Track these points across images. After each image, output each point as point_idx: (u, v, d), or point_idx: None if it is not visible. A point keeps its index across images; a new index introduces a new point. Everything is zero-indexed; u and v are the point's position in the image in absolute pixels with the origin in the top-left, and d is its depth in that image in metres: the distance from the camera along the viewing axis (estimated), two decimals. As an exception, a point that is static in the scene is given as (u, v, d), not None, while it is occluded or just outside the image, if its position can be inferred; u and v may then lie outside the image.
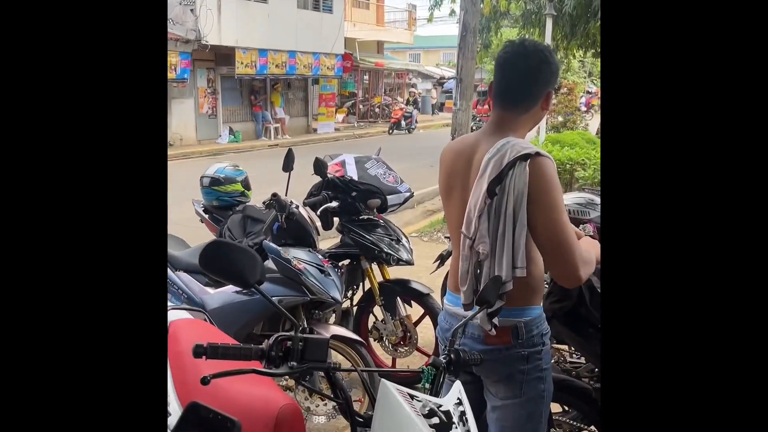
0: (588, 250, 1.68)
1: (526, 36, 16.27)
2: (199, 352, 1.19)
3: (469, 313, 1.69)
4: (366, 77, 24.58)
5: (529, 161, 1.58)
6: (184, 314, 2.05)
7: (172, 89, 15.32)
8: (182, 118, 15.93)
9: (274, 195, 2.99)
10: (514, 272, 1.60)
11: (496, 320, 1.63)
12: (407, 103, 23.40)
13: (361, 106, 23.92)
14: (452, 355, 1.46)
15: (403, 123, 21.19)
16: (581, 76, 36.31)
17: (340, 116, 22.19)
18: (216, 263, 1.26)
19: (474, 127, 9.69)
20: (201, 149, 15.48)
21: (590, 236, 2.39)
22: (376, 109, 24.64)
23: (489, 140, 1.69)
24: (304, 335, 1.30)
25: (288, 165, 3.07)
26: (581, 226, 2.66)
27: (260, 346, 1.29)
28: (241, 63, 16.23)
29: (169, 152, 14.52)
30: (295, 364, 1.27)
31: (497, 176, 1.59)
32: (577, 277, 1.60)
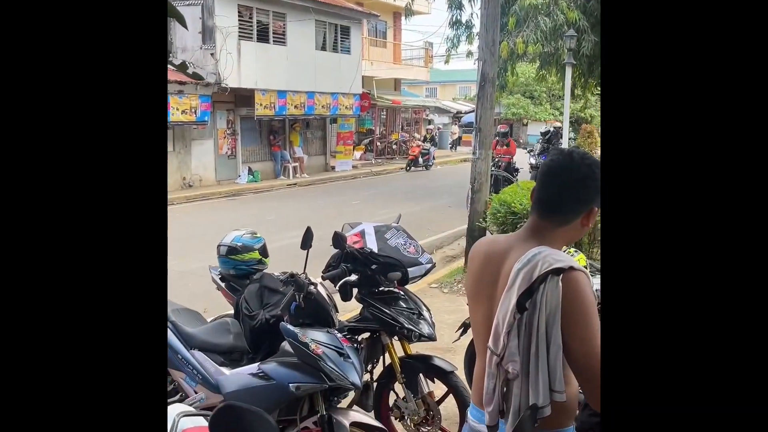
0: None
1: (546, 75, 16.32)
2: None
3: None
4: (383, 114, 24.75)
5: (561, 276, 1.47)
6: (200, 421, 1.94)
7: (192, 131, 15.53)
8: (202, 159, 16.09)
9: (292, 275, 2.91)
10: (553, 396, 1.49)
11: None
12: (424, 140, 23.47)
13: (378, 143, 24.03)
14: None
15: (420, 160, 21.23)
16: (598, 110, 36.36)
17: (357, 153, 22.29)
18: (227, 430, 1.16)
19: (493, 168, 9.62)
20: (220, 190, 15.58)
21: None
22: (394, 146, 24.72)
23: (521, 247, 1.59)
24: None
25: (306, 243, 3.00)
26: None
27: None
28: (261, 104, 16.42)
29: (189, 193, 14.66)
30: None
31: (527, 290, 1.49)
32: None
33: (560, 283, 1.47)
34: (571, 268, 1.48)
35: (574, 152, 1.63)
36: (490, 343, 1.57)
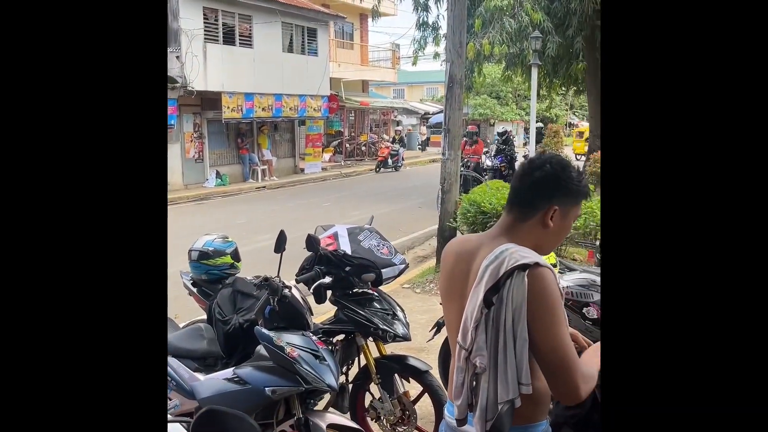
0: (589, 363, 1.61)
1: (511, 76, 16.53)
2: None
3: (471, 429, 1.60)
4: (352, 115, 24.73)
5: (527, 272, 1.51)
6: (177, 427, 1.93)
7: (157, 135, 15.26)
8: (168, 163, 15.69)
9: (266, 279, 2.89)
10: (520, 389, 1.52)
11: None
12: (393, 141, 23.53)
13: (347, 145, 24.00)
14: None
15: (389, 161, 21.28)
16: (563, 109, 36.98)
17: (326, 155, 22.24)
18: (210, 434, 1.17)
19: (462, 169, 9.69)
20: (188, 194, 15.37)
21: (594, 318, 2.32)
22: (363, 147, 24.73)
23: (490, 245, 1.63)
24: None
25: (280, 246, 2.98)
26: (584, 309, 2.59)
27: None
28: (228, 107, 16.26)
29: (156, 199, 14.39)
30: None
31: (494, 285, 1.52)
32: (577, 396, 1.52)
33: (526, 279, 1.50)
34: (537, 264, 1.51)
35: (549, 154, 1.70)
36: (459, 338, 1.60)
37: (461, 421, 1.61)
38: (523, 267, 1.50)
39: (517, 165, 15.25)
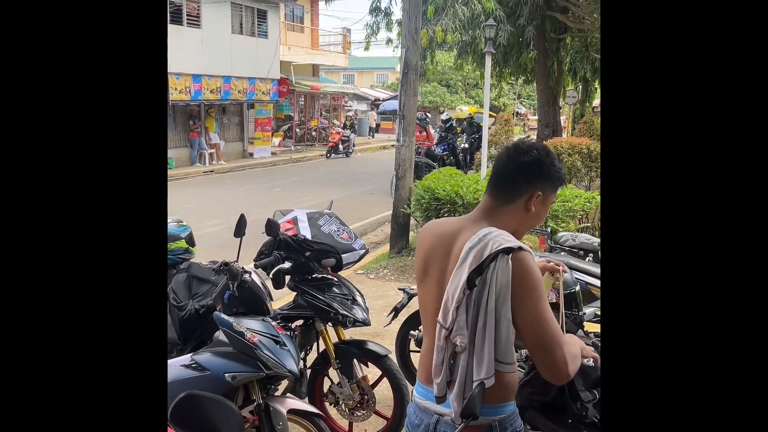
0: (572, 343, 1.65)
1: (462, 64, 16.65)
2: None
3: (441, 408, 1.63)
4: (302, 100, 24.45)
5: (511, 255, 1.54)
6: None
7: (100, 116, 14.73)
8: (111, 145, 15.31)
9: (225, 264, 2.84)
10: (502, 368, 1.55)
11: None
12: (344, 126, 23.40)
13: (297, 130, 23.73)
14: None
15: (340, 147, 21.17)
16: (511, 98, 37.58)
17: (276, 140, 21.93)
18: (189, 419, 1.13)
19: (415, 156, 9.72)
20: (132, 178, 14.90)
21: (555, 303, 2.38)
22: (313, 133, 24.51)
23: (471, 228, 1.65)
24: None
25: (239, 230, 2.93)
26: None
27: None
28: (175, 89, 15.80)
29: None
30: None
31: (478, 267, 1.55)
32: (565, 373, 1.56)
33: (510, 262, 1.53)
34: (520, 248, 1.55)
35: (536, 142, 1.73)
36: (439, 318, 1.62)
37: (441, 399, 1.63)
38: (507, 251, 1.54)
39: (459, 154, 15.45)
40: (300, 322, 3.33)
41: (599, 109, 24.95)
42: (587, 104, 20.17)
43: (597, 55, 14.30)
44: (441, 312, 1.62)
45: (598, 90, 21.05)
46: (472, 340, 1.56)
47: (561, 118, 18.14)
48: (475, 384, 1.52)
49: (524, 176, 1.66)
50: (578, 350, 1.67)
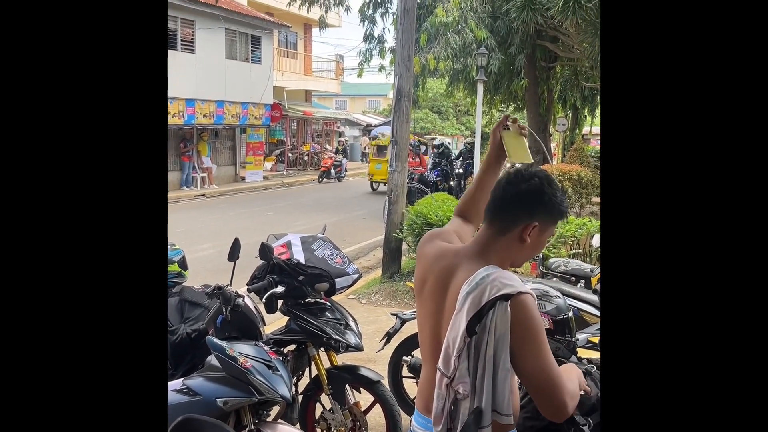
0: (571, 379, 1.63)
1: (453, 91, 16.82)
2: None
3: None
4: (294, 125, 24.57)
5: (510, 301, 1.49)
6: None
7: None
8: (103, 168, 15.28)
9: (219, 287, 2.83)
10: (499, 418, 1.52)
11: None
12: (336, 151, 23.51)
13: (290, 154, 23.81)
14: None
15: (332, 171, 21.23)
16: (502, 125, 37.84)
17: (268, 164, 21.98)
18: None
19: (407, 181, 9.76)
20: (123, 201, 14.84)
21: (548, 329, 2.38)
22: (305, 157, 24.58)
23: (468, 266, 1.60)
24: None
25: (233, 254, 2.92)
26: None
27: None
28: (169, 113, 15.84)
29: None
30: None
31: (476, 314, 1.50)
32: (566, 413, 1.54)
33: (509, 309, 1.48)
34: (519, 293, 1.50)
35: (539, 169, 1.65)
36: (440, 365, 1.58)
37: None
38: (506, 297, 1.48)
39: (452, 181, 15.46)
40: (292, 346, 3.32)
41: (589, 137, 25.21)
42: (577, 131, 20.39)
43: (586, 83, 14.51)
44: (442, 359, 1.58)
45: (588, 118, 21.33)
46: (473, 388, 1.53)
47: (551, 145, 18.32)
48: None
49: (522, 205, 1.59)
50: (576, 386, 1.63)
